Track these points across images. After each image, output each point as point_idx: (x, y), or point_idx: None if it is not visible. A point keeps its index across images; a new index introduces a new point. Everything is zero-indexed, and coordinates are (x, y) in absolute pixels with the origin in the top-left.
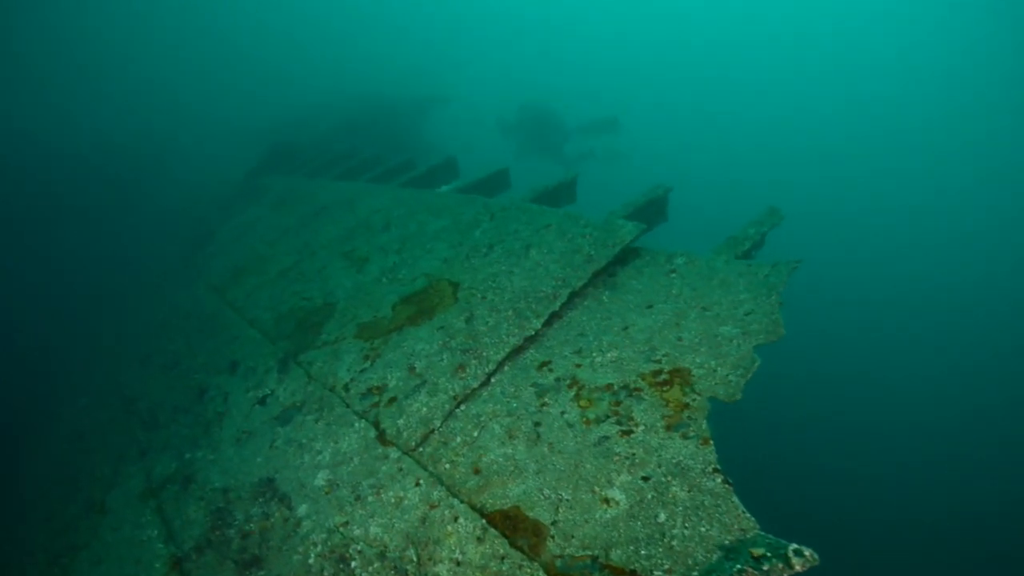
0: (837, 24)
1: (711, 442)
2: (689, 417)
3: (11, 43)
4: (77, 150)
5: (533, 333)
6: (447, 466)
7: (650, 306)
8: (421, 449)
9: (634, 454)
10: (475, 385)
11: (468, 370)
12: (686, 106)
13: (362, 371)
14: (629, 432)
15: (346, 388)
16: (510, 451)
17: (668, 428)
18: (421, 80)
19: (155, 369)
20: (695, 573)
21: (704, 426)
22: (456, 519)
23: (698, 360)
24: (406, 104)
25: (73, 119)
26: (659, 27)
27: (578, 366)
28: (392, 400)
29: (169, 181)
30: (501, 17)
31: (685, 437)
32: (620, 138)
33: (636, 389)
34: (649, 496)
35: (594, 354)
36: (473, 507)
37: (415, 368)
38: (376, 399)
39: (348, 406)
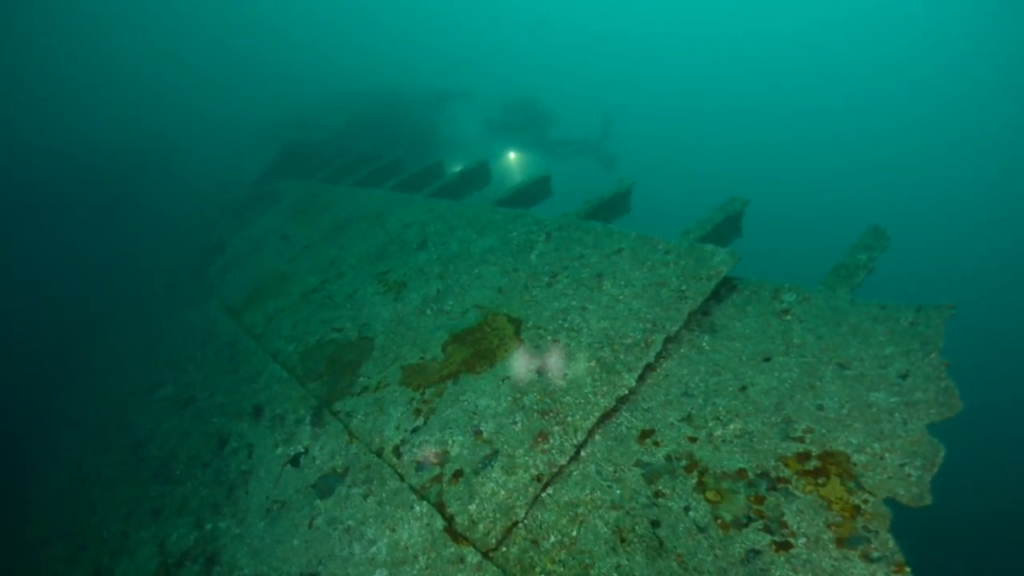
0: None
1: (907, 569)
2: (866, 528)
3: (8, 43)
4: (74, 150)
5: (627, 392)
6: None
7: (767, 359)
8: (505, 549)
9: None
10: (563, 461)
11: (551, 439)
12: (686, 103)
13: (415, 430)
14: (786, 546)
15: (397, 452)
16: (626, 563)
17: (840, 543)
18: (430, 76)
19: (166, 404)
20: None
21: (891, 543)
22: None
23: (854, 441)
24: (422, 99)
25: (70, 119)
26: (661, 24)
27: (692, 440)
28: (458, 475)
29: (173, 182)
30: (504, 15)
31: (868, 558)
32: (614, 138)
33: (781, 480)
34: None
35: (710, 423)
36: None
37: (482, 432)
38: (436, 470)
39: (403, 479)
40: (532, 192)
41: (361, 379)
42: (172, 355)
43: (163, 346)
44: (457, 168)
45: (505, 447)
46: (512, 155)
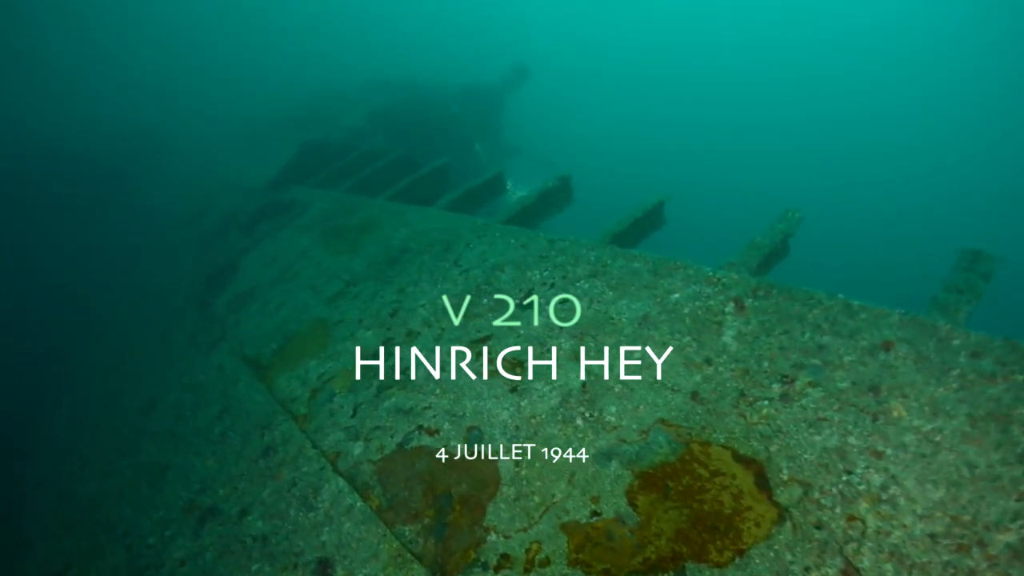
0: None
1: None
2: None
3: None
4: (42, 147)
5: None
6: None
7: None
8: None
9: None
10: None
11: None
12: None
13: None
14: None
15: None
16: None
17: None
18: (442, 70)
19: (175, 507)
20: None
21: None
22: None
23: None
24: (447, 93)
25: (45, 107)
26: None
27: None
28: None
29: (167, 184)
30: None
31: None
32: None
33: None
34: None
35: None
36: None
37: None
38: None
39: None
40: (648, 221)
41: (492, 537)
42: (178, 425)
43: (166, 406)
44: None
45: None
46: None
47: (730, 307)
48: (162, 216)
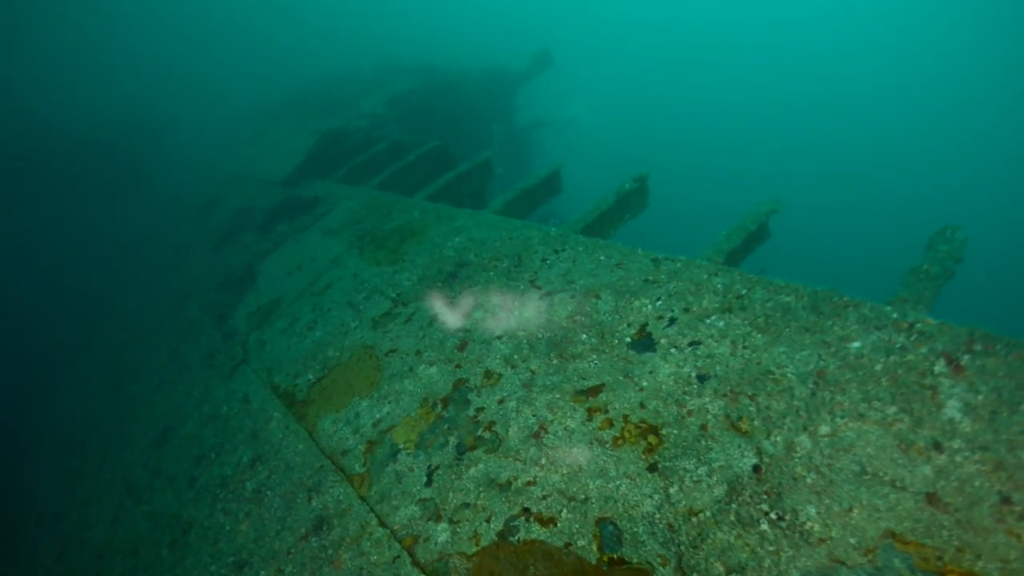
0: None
1: None
2: None
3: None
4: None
5: None
6: None
7: None
8: None
9: None
10: None
11: None
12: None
13: None
14: None
15: None
16: None
17: None
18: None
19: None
20: None
21: None
22: None
23: None
24: (468, 77)
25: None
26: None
27: None
28: None
29: (174, 172)
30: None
31: None
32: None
33: None
34: None
35: None
36: None
37: None
38: None
39: None
40: (753, 239)
41: None
42: (200, 469)
43: (182, 440)
44: (616, 191)
45: None
46: None
47: (940, 365)
48: (168, 204)
